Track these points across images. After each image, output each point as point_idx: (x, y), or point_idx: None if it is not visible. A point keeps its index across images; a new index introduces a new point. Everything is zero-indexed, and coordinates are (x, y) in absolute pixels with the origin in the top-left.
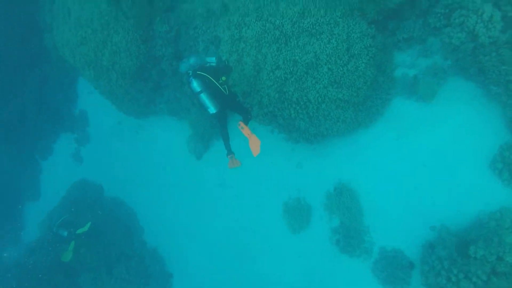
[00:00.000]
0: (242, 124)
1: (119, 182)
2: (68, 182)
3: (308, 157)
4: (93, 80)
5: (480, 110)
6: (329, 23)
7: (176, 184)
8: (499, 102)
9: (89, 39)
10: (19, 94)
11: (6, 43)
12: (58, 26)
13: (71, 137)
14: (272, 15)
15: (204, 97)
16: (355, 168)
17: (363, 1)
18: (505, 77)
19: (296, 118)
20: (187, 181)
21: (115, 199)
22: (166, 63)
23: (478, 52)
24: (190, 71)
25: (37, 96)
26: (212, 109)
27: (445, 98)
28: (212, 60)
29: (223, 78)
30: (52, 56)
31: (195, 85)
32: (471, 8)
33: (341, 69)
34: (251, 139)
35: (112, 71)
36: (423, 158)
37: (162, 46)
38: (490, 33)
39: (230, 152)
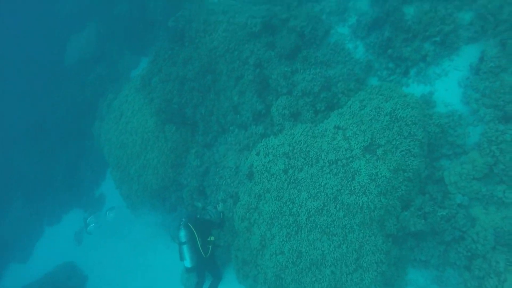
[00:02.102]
0: None
1: (105, 281)
2: (59, 259)
3: None
4: (117, 181)
5: None
6: (344, 227)
7: None
8: None
9: (127, 146)
10: (57, 160)
11: (66, 113)
12: (108, 121)
13: (82, 215)
14: (291, 201)
15: (185, 249)
16: None
17: (385, 216)
18: None
19: None
20: None
21: None
22: (187, 193)
23: None
24: (183, 219)
25: (70, 166)
26: (188, 263)
27: None
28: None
29: (212, 238)
30: (95, 139)
31: (182, 235)
32: (493, 268)
33: (345, 276)
34: None
35: (136, 182)
36: None
37: (188, 176)
38: None
39: None
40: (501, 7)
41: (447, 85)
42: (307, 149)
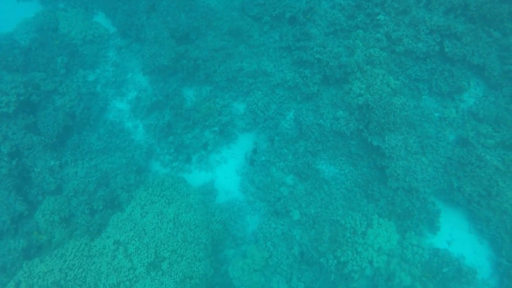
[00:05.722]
0: None
1: None
2: None
3: None
4: None
5: None
6: None
7: None
8: None
9: None
10: None
11: None
12: None
13: None
14: None
15: None
16: None
17: None
18: None
19: None
20: None
21: None
22: None
23: None
24: None
25: None
26: None
27: None
28: None
29: None
30: None
31: None
32: None
33: None
34: None
35: None
36: None
37: None
38: None
39: None
40: (268, 105)
41: (226, 173)
42: (83, 274)
